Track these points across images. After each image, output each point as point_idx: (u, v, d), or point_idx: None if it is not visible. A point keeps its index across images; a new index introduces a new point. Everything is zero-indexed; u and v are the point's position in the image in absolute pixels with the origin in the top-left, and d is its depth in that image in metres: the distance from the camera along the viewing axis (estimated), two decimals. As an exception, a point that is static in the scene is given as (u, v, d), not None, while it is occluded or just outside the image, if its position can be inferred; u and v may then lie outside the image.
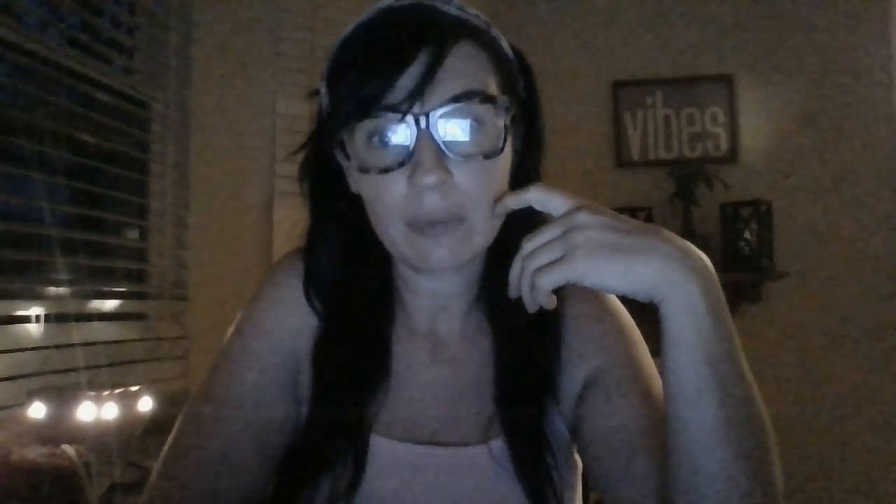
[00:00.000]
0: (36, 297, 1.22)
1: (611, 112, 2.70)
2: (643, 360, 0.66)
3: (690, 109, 2.66)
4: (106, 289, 1.39)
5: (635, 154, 2.68)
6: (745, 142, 2.63)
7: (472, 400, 0.64)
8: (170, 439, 0.61)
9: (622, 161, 2.68)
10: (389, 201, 0.57)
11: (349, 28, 0.60)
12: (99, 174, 1.38)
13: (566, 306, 0.67)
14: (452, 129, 0.55)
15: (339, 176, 0.62)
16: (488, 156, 0.56)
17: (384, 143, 0.55)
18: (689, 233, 2.47)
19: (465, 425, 0.63)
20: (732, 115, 2.63)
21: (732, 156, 2.62)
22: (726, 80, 2.63)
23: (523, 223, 0.60)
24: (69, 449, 0.97)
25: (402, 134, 0.55)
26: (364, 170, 0.57)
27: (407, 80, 0.53)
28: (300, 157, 0.65)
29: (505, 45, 0.62)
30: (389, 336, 0.67)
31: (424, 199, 0.55)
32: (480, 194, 0.57)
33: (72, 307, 1.25)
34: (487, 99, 0.56)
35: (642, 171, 2.66)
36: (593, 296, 0.68)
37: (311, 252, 0.66)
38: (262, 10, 1.79)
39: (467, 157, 0.55)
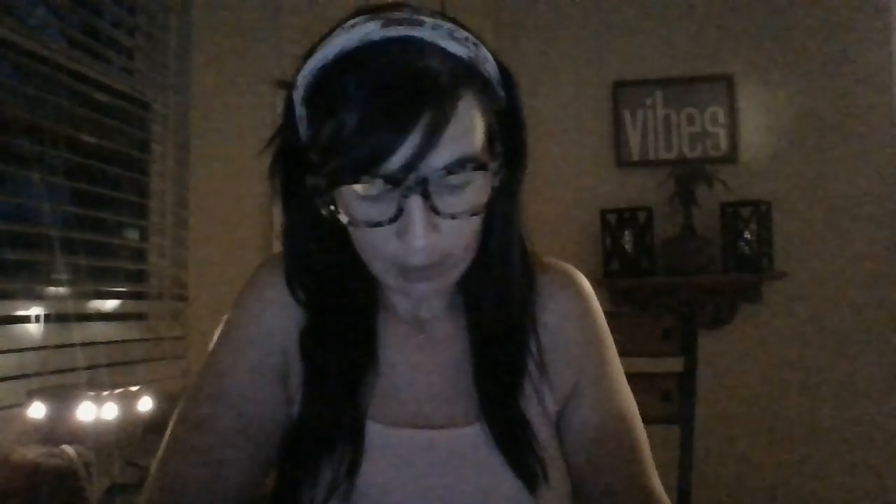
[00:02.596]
0: (36, 297, 1.22)
1: (611, 112, 2.70)
2: (617, 369, 0.71)
3: (690, 109, 2.66)
4: (106, 289, 1.39)
5: (635, 154, 2.68)
6: (745, 142, 2.64)
7: (460, 381, 0.66)
8: (165, 439, 0.62)
9: (622, 161, 2.68)
10: (377, 248, 0.58)
11: (329, 51, 0.57)
12: (99, 174, 1.38)
13: (547, 299, 0.70)
14: (444, 191, 0.55)
15: (310, 169, 0.61)
16: (476, 213, 0.57)
17: (374, 199, 0.55)
18: (689, 233, 2.47)
19: (455, 406, 0.65)
20: (732, 115, 2.63)
21: (732, 156, 2.62)
22: (726, 80, 2.63)
23: (506, 219, 0.64)
24: (69, 449, 0.97)
25: (393, 194, 0.54)
26: (353, 224, 0.57)
27: (406, 150, 0.52)
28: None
29: (490, 66, 0.60)
30: (375, 321, 0.68)
31: (413, 255, 0.56)
32: (464, 243, 0.58)
33: (72, 307, 1.25)
34: (481, 166, 0.55)
35: (642, 171, 2.66)
36: (578, 295, 0.72)
37: (289, 246, 0.67)
38: (262, 10, 1.79)
39: (455, 216, 0.56)
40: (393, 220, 0.54)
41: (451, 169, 0.53)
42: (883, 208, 2.53)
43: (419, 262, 0.56)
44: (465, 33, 0.59)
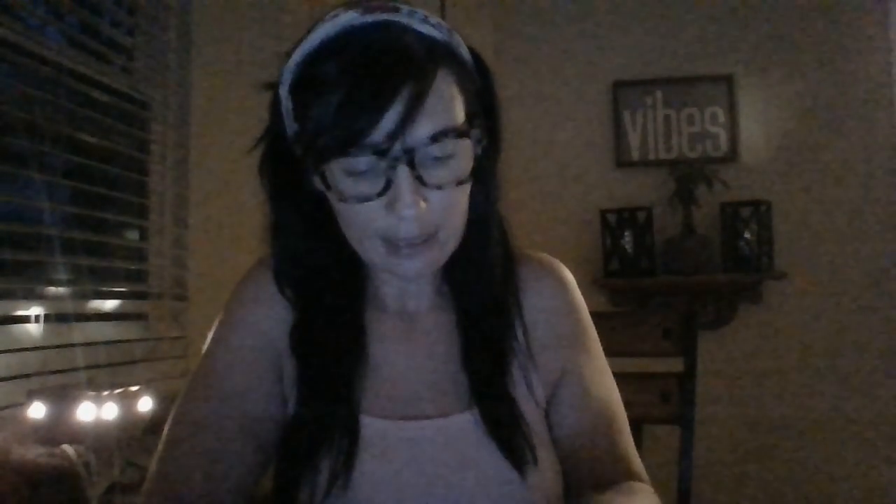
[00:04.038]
0: (36, 297, 1.22)
1: (611, 112, 2.70)
2: (599, 355, 0.73)
3: (690, 109, 2.66)
4: (106, 289, 1.39)
5: (635, 154, 2.68)
6: (745, 142, 2.64)
7: (449, 371, 0.67)
8: (162, 440, 0.62)
9: (622, 161, 2.68)
10: (366, 223, 0.59)
11: (313, 40, 0.59)
12: (99, 174, 1.38)
13: (531, 288, 0.72)
14: (429, 162, 0.57)
15: (297, 168, 0.63)
16: (461, 183, 0.60)
17: (362, 174, 0.57)
18: (689, 233, 2.47)
19: (446, 396, 0.66)
20: (732, 115, 2.63)
21: (732, 156, 2.62)
22: (726, 80, 2.63)
23: (485, 201, 0.66)
24: (69, 449, 0.97)
25: (381, 167, 0.56)
26: (343, 199, 0.59)
27: (389, 120, 0.54)
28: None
29: (464, 50, 0.63)
30: (363, 316, 0.69)
31: (402, 225, 0.58)
32: (452, 214, 0.60)
33: (72, 307, 1.25)
34: (462, 134, 0.58)
35: (642, 171, 2.66)
36: (561, 284, 0.74)
37: (278, 243, 0.68)
38: (262, 10, 1.79)
39: (442, 186, 0.58)
40: (382, 193, 0.57)
41: (435, 137, 0.56)
42: (883, 208, 2.53)
43: (409, 232, 0.58)
44: (439, 19, 0.62)
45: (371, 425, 0.64)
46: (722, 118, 2.64)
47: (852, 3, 2.58)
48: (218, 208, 1.61)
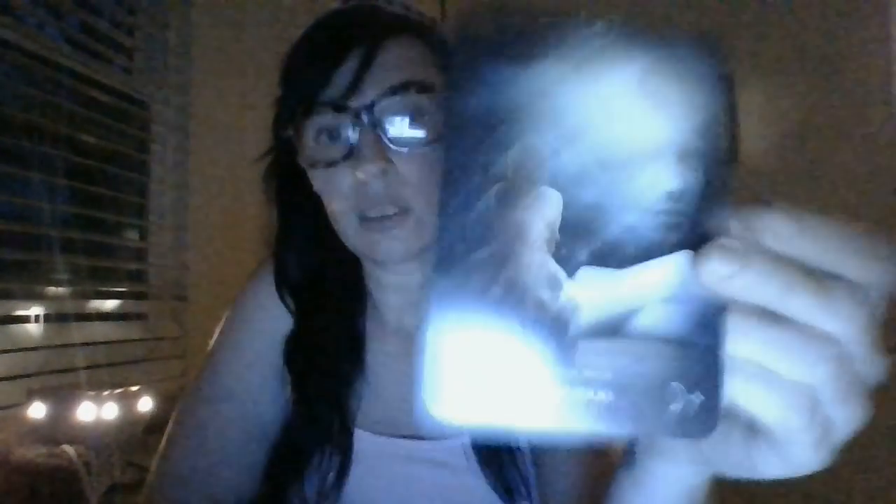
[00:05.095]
0: (36, 297, 1.22)
1: (611, 112, 2.70)
2: None
3: (690, 109, 2.66)
4: (106, 289, 1.39)
5: (635, 154, 2.68)
6: (745, 142, 2.63)
7: None
8: (164, 440, 0.62)
9: (622, 161, 2.68)
10: (338, 194, 0.58)
11: (299, 35, 0.61)
12: (99, 174, 1.38)
13: None
14: (393, 120, 0.55)
15: (303, 177, 0.63)
16: (429, 144, 0.56)
17: (330, 139, 0.57)
18: (689, 233, 2.47)
19: None
20: (732, 115, 2.63)
21: (732, 156, 2.62)
22: (726, 80, 2.63)
23: None
24: (69, 449, 0.97)
25: (345, 128, 0.55)
26: (312, 164, 0.58)
27: (343, 76, 0.55)
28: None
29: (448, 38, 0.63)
30: (363, 331, 0.68)
31: (369, 188, 0.56)
32: (425, 184, 0.57)
33: (72, 307, 1.25)
34: (425, 89, 0.56)
35: (642, 171, 2.66)
36: None
37: (279, 252, 0.67)
38: (262, 10, 1.79)
39: (408, 146, 0.55)
40: (347, 156, 0.55)
41: (394, 90, 0.55)
42: (883, 209, 2.53)
43: (374, 192, 0.56)
44: (423, 11, 0.63)
45: (364, 440, 0.63)
46: (722, 118, 2.64)
47: (852, 3, 2.58)
48: (218, 208, 1.61)
